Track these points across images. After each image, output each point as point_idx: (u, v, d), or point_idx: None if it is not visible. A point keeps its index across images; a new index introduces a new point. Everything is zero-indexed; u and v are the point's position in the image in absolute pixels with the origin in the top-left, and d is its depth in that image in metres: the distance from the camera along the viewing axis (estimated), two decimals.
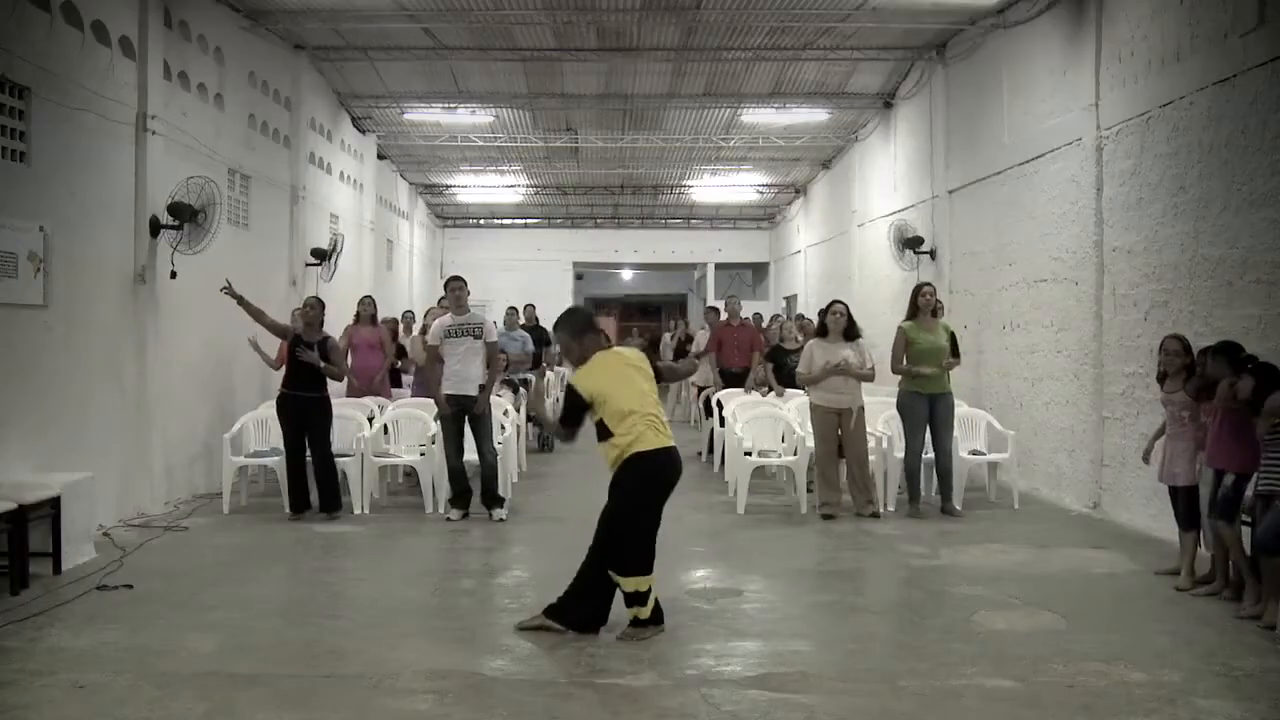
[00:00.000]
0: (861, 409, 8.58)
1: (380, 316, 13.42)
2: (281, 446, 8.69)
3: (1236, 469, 5.76)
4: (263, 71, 11.20)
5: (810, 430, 9.03)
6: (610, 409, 5.19)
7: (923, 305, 8.68)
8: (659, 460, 5.20)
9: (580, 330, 5.50)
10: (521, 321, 14.74)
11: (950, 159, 12.23)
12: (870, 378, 8.69)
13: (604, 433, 5.22)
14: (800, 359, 8.81)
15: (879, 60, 13.02)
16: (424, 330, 10.22)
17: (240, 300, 8.36)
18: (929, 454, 8.67)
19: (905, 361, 8.53)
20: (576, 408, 5.25)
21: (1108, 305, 8.64)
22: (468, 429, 8.41)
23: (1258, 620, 5.45)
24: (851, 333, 8.67)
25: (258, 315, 8.54)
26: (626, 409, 5.18)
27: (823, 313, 8.92)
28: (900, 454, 8.79)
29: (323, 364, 8.38)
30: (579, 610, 5.29)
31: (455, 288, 8.54)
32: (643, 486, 5.20)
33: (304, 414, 8.38)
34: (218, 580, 6.42)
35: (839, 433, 8.52)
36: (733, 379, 11.81)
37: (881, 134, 15.27)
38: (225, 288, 8.29)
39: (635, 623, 5.23)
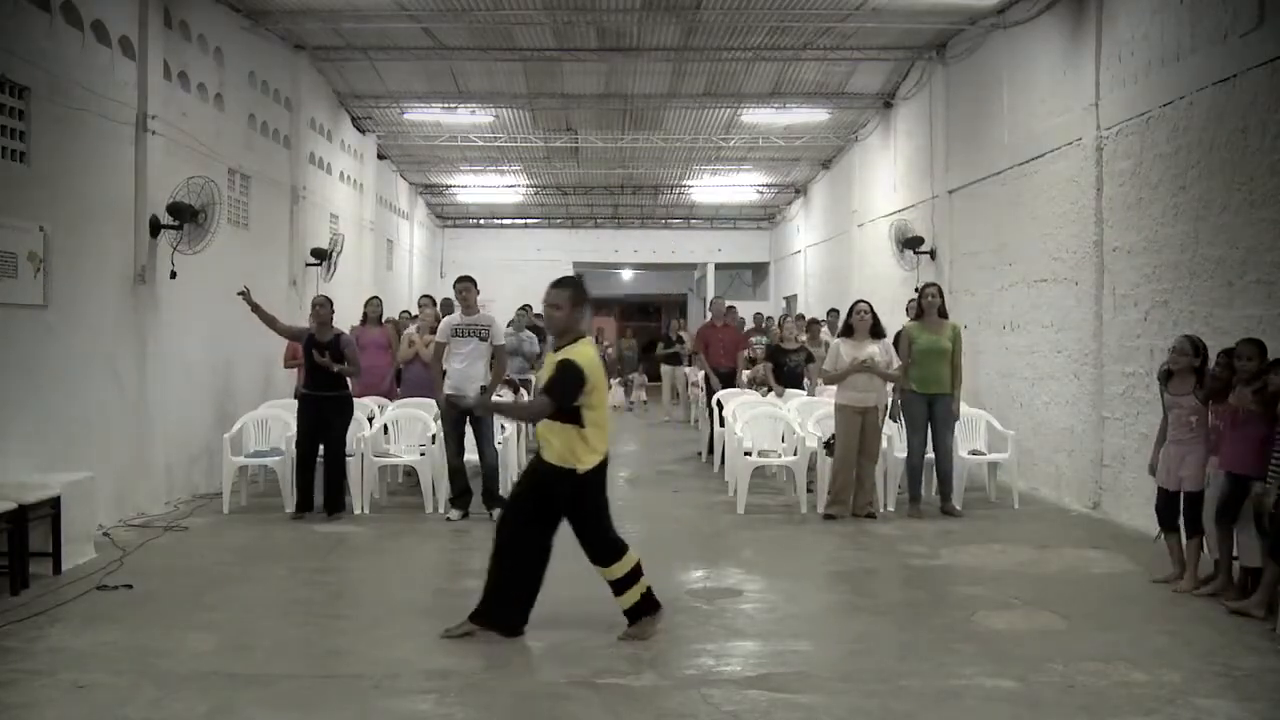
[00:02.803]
0: (886, 407, 8.60)
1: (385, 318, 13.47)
2: (282, 447, 8.70)
3: (1259, 473, 5.63)
4: (263, 71, 11.20)
5: (809, 430, 9.05)
6: (595, 405, 5.09)
7: (925, 306, 8.71)
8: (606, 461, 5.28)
9: (581, 300, 5.28)
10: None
11: (950, 159, 12.23)
12: (897, 377, 8.65)
13: (573, 419, 5.03)
14: (826, 358, 8.84)
15: (879, 60, 13.02)
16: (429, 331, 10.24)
17: (255, 308, 8.39)
18: (929, 454, 8.67)
19: (910, 360, 8.54)
20: (576, 388, 5.01)
21: (1108, 305, 8.64)
22: (469, 429, 8.41)
23: (1250, 617, 5.49)
24: (877, 331, 8.70)
25: (270, 322, 8.59)
26: (604, 416, 5.16)
27: (849, 313, 8.95)
28: (901, 454, 8.81)
29: (336, 367, 8.39)
30: (506, 613, 5.22)
31: (463, 288, 8.54)
32: (603, 486, 5.25)
33: (321, 413, 8.39)
34: (218, 580, 6.42)
35: (861, 431, 8.51)
36: (721, 379, 12.03)
37: (881, 134, 15.27)
38: (243, 293, 8.32)
39: (631, 615, 5.19)
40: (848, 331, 8.76)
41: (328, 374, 8.41)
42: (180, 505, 8.87)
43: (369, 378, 10.28)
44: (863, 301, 9.01)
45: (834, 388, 8.76)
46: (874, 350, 8.54)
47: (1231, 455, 5.84)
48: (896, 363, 8.62)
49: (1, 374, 6.68)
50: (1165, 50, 7.79)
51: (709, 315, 13.49)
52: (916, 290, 11.57)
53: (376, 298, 11.10)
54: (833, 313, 14.62)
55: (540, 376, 5.18)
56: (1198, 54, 7.39)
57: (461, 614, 5.83)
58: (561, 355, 5.08)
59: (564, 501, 5.15)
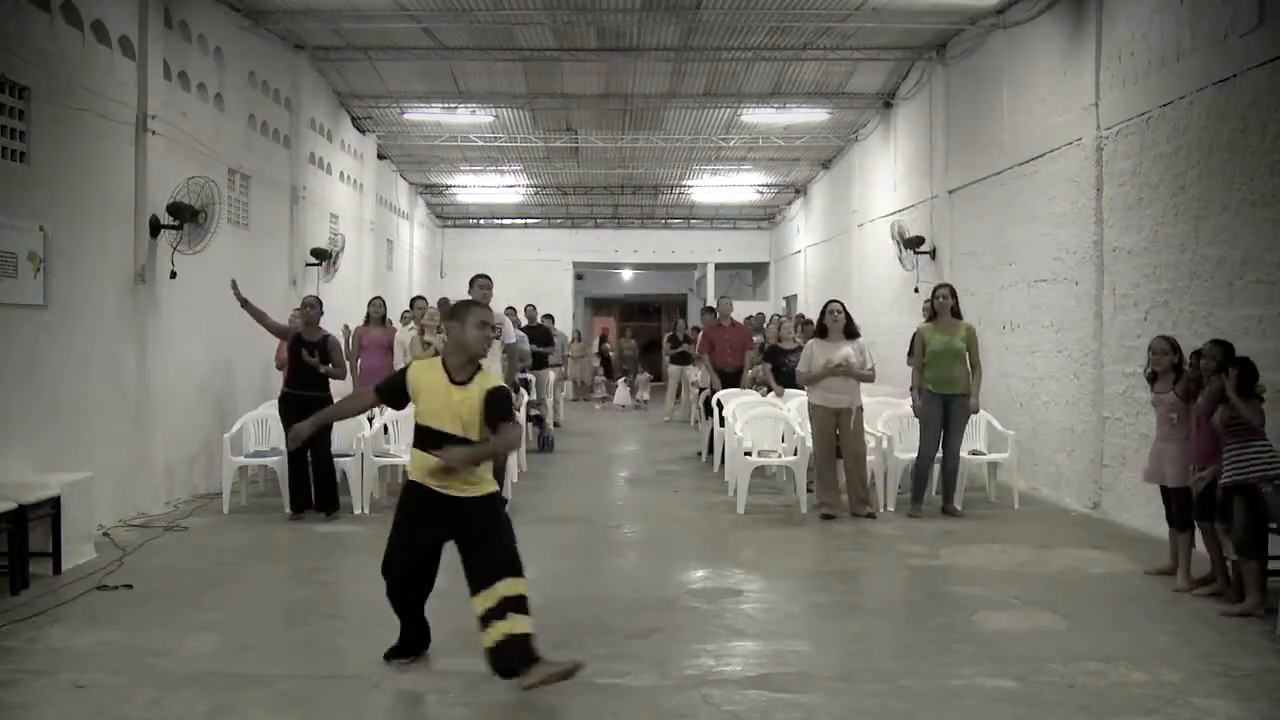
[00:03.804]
0: (860, 409, 8.58)
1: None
2: (281, 447, 8.70)
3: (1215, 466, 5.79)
4: (263, 71, 11.20)
5: (809, 430, 9.04)
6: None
7: (937, 308, 8.71)
8: None
9: None
10: (524, 322, 14.84)
11: (950, 159, 12.23)
12: (870, 378, 8.72)
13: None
14: (800, 359, 8.82)
15: (879, 60, 13.01)
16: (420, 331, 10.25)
17: (245, 303, 8.42)
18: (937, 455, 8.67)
19: (924, 360, 8.55)
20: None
21: (1108, 305, 8.64)
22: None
23: (1246, 617, 5.52)
24: (851, 331, 8.69)
25: (259, 317, 8.60)
26: None
27: (821, 313, 8.93)
28: (901, 454, 8.81)
29: (323, 368, 8.40)
30: (420, 638, 4.88)
31: (482, 285, 8.46)
32: None
33: (306, 413, 8.35)
34: (218, 580, 6.43)
35: (837, 433, 8.52)
36: (727, 379, 11.97)
37: (881, 134, 15.26)
38: (233, 288, 8.36)
39: (525, 651, 4.42)
40: (821, 332, 8.75)
41: (312, 374, 8.42)
42: (180, 505, 8.87)
43: (372, 378, 10.27)
44: (835, 301, 9.00)
45: None
46: (848, 351, 8.54)
47: (1201, 452, 5.94)
48: (870, 363, 8.66)
49: (1, 374, 6.69)
50: (1165, 50, 7.78)
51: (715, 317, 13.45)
52: (916, 290, 11.59)
53: (379, 298, 11.11)
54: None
55: (459, 399, 4.57)
56: (1198, 54, 7.39)
57: (461, 615, 5.83)
58: (496, 383, 4.67)
59: (490, 523, 4.62)
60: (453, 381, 4.59)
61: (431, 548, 4.73)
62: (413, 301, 11.09)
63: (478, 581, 4.49)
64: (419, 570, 4.76)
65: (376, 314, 10.68)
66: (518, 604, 4.44)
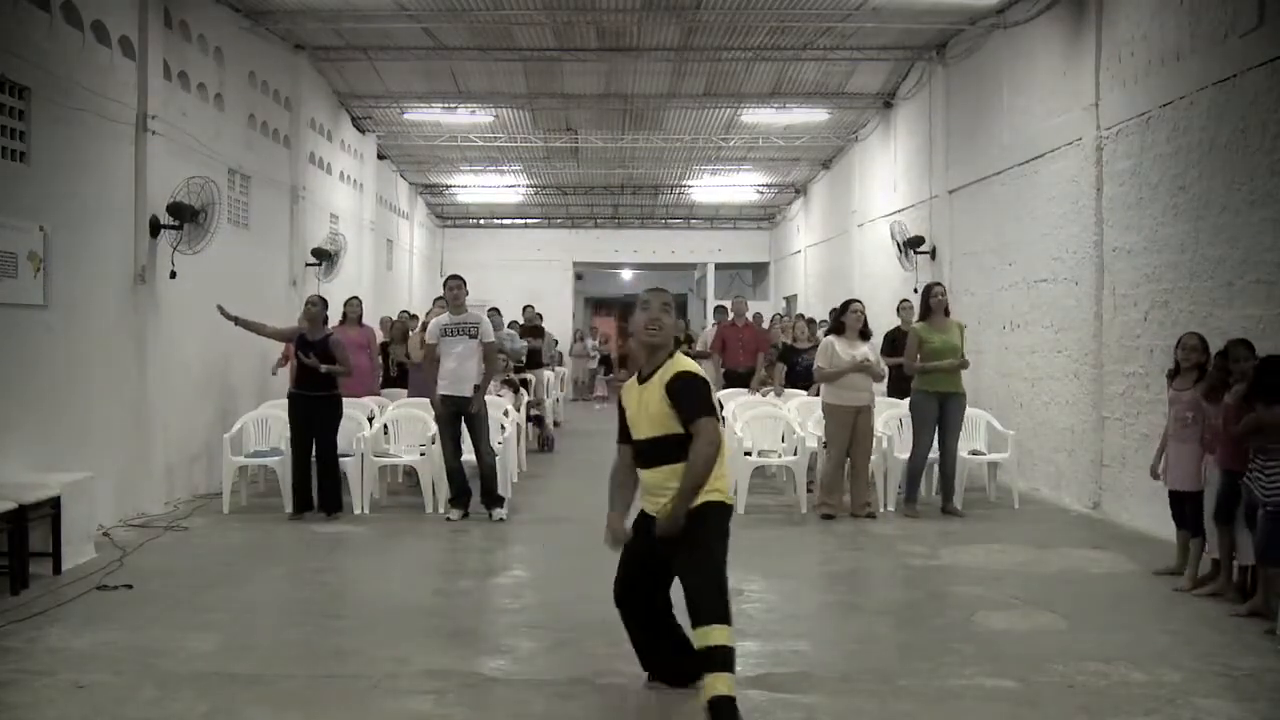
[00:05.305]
0: (872, 407, 8.63)
1: (383, 316, 13.48)
2: (282, 447, 8.70)
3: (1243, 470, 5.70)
4: (263, 71, 11.20)
5: (809, 430, 9.04)
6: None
7: (934, 306, 8.70)
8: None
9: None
10: (521, 322, 14.82)
11: (950, 159, 12.23)
12: (883, 377, 8.81)
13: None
14: (818, 356, 8.80)
15: (879, 60, 13.02)
16: (423, 328, 10.26)
17: (237, 321, 8.42)
18: (932, 455, 8.67)
19: (919, 360, 8.55)
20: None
21: (1108, 305, 8.64)
22: (464, 429, 8.41)
23: (1257, 618, 5.48)
24: (865, 332, 8.72)
25: (259, 329, 8.63)
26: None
27: (840, 311, 8.91)
28: (900, 454, 8.81)
29: (324, 367, 8.37)
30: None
31: (453, 286, 8.56)
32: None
33: (312, 413, 8.38)
34: (218, 580, 6.42)
35: (852, 432, 8.51)
36: (738, 379, 11.89)
37: (881, 134, 15.27)
38: (220, 311, 8.37)
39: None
40: (839, 329, 8.74)
41: (316, 374, 8.40)
42: (180, 505, 8.87)
43: (349, 378, 10.23)
44: (857, 301, 9.02)
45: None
46: (866, 350, 8.59)
47: (1226, 453, 5.87)
48: (882, 364, 8.79)
49: (2, 374, 6.68)
50: (1165, 50, 7.79)
51: (727, 316, 13.42)
52: (916, 290, 11.59)
53: (356, 298, 11.10)
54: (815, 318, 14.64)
55: (645, 401, 4.29)
56: (1198, 54, 7.39)
57: (461, 615, 5.84)
58: (679, 368, 4.26)
59: (686, 543, 4.35)
60: (639, 380, 4.36)
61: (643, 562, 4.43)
62: (436, 301, 11.08)
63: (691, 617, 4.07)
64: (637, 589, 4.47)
65: (354, 314, 10.69)
66: (717, 658, 3.98)
